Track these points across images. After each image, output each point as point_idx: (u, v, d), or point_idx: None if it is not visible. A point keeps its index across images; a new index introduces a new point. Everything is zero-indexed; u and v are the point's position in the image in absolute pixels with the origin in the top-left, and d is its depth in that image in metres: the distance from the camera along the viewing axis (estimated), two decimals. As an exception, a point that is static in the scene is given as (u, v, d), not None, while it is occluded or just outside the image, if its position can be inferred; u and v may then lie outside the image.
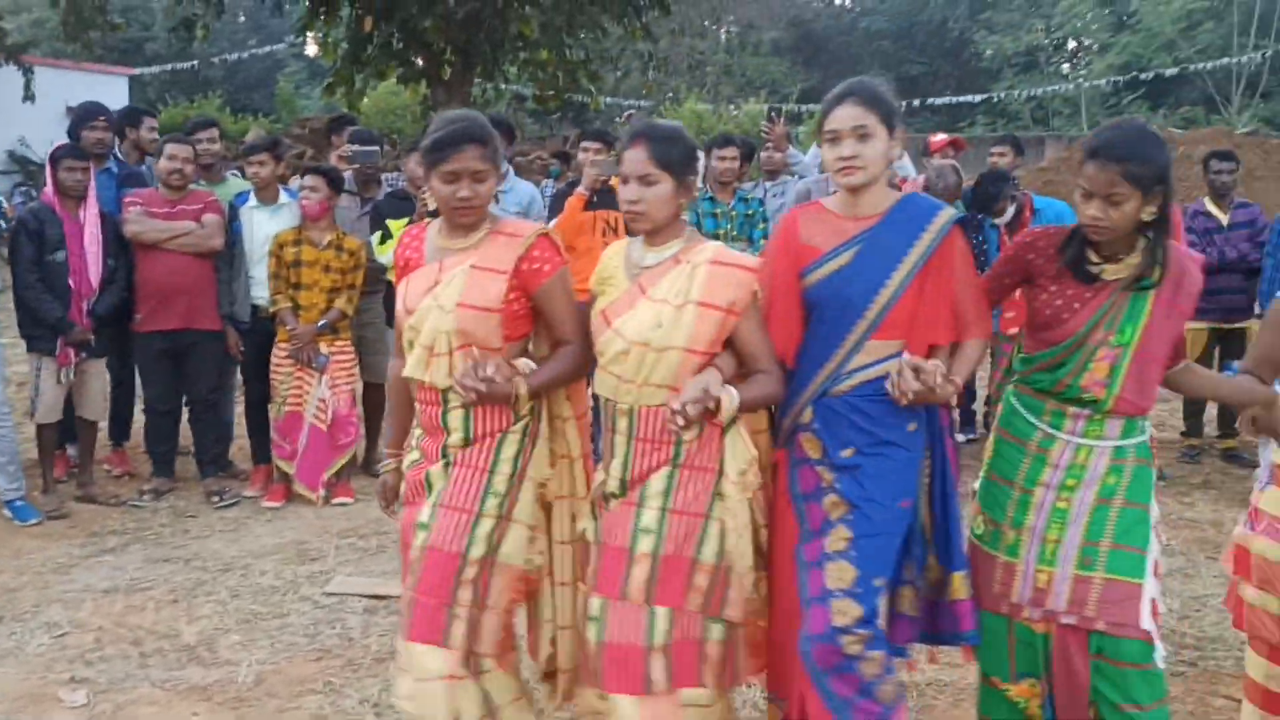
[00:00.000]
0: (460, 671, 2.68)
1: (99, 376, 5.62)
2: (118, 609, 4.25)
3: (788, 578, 2.75)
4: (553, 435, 2.87)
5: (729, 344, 2.69)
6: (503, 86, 14.66)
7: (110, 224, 5.48)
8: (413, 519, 2.78)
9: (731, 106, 23.47)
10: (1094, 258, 2.69)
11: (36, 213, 5.39)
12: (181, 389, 5.77)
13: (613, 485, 2.71)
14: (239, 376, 6.08)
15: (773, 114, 6.81)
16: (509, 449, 2.76)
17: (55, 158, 5.40)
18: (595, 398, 2.83)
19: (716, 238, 5.92)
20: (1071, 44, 31.47)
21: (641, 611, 2.59)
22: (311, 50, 17.52)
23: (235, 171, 6.76)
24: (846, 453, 2.70)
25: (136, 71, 26.75)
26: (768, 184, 6.47)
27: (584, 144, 5.95)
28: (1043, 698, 2.79)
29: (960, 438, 7.19)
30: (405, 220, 5.55)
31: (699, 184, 2.92)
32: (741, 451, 2.69)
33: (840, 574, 2.63)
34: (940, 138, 7.11)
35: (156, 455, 5.82)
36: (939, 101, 27.35)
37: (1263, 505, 2.91)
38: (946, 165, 6.25)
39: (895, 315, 2.66)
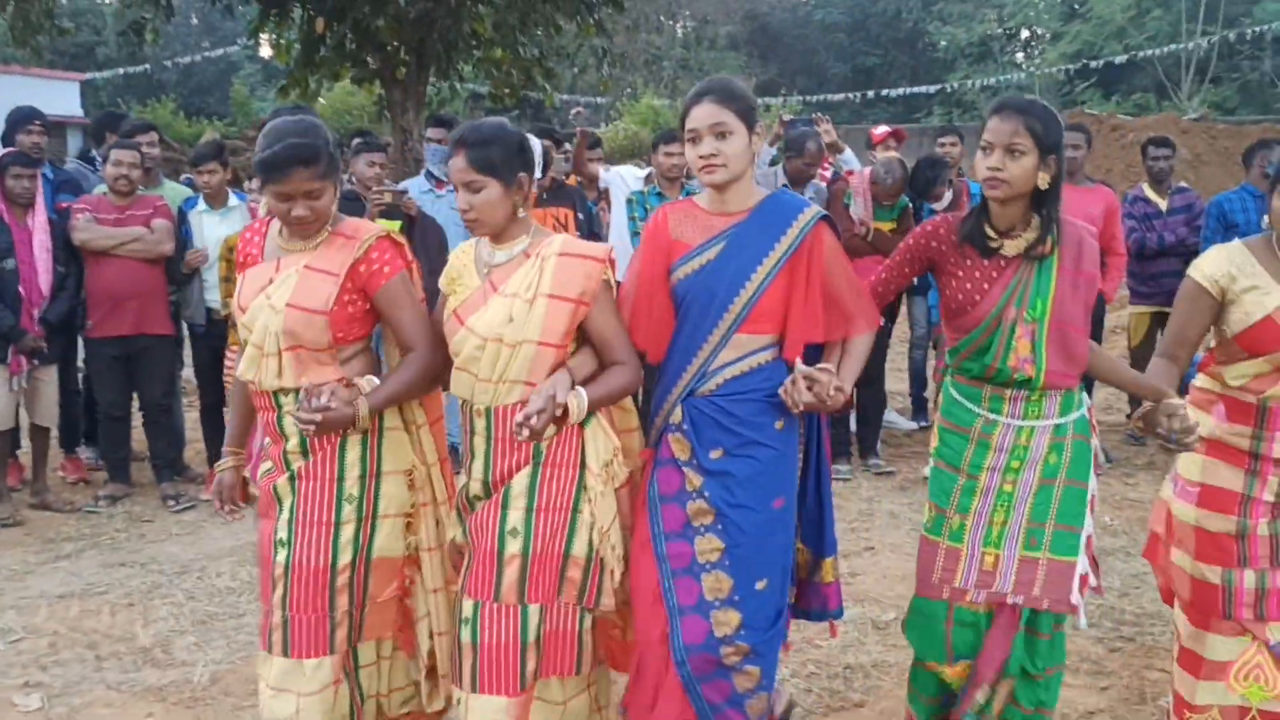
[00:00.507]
0: (340, 675, 2.73)
1: (51, 383, 5.61)
2: (73, 613, 4.27)
3: (640, 579, 2.74)
4: (409, 441, 2.82)
5: (584, 338, 2.71)
6: (459, 85, 14.63)
7: (59, 230, 5.47)
8: (269, 534, 2.75)
9: (689, 101, 23.59)
10: (991, 233, 2.76)
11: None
12: (133, 394, 5.78)
13: (475, 488, 2.71)
14: (192, 380, 6.09)
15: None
16: (353, 451, 2.72)
17: (2, 165, 5.37)
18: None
19: (665, 232, 5.99)
20: (1024, 33, 31.81)
21: (515, 611, 2.60)
22: (265, 52, 17.40)
23: (188, 179, 6.76)
24: (715, 454, 2.71)
25: (88, 76, 26.46)
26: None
27: (543, 142, 5.99)
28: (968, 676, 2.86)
29: (912, 424, 7.32)
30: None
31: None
32: (604, 443, 2.70)
33: (718, 584, 2.67)
34: (882, 129, 7.18)
35: (111, 461, 5.82)
36: (894, 93, 27.59)
37: (1179, 468, 2.98)
38: (893, 159, 6.32)
39: (761, 308, 2.69)
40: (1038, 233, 2.73)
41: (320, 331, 2.65)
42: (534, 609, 2.62)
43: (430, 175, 6.18)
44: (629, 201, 6.16)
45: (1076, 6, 28.24)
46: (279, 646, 2.68)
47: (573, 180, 6.60)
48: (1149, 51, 25.74)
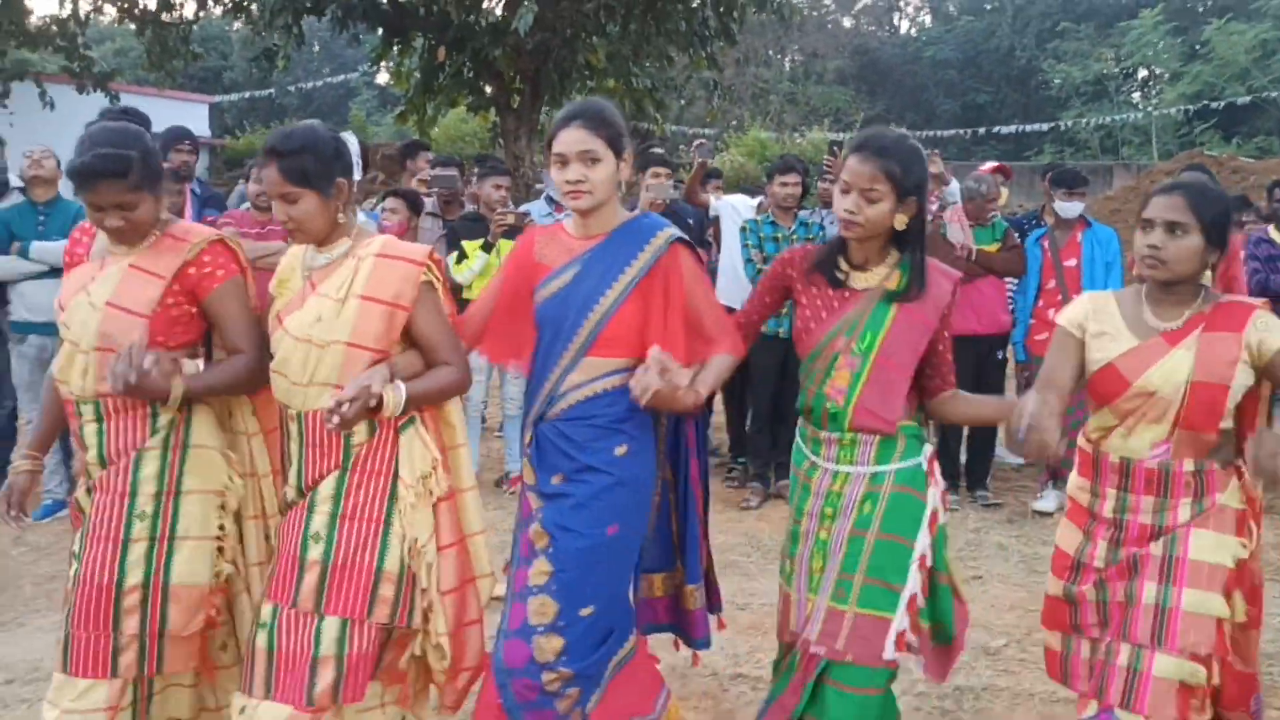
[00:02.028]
0: (122, 702, 2.61)
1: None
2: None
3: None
4: (236, 451, 2.76)
5: (412, 341, 2.64)
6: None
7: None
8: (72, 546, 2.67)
9: (795, 135, 23.56)
10: (843, 265, 2.74)
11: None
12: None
13: (291, 494, 2.66)
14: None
15: (834, 148, 6.94)
16: (149, 466, 2.62)
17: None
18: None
19: (778, 261, 6.06)
20: (1142, 73, 31.14)
21: (311, 620, 2.52)
22: (383, 79, 17.98)
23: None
24: (556, 479, 2.69)
25: (216, 99, 27.58)
26: (824, 211, 6.61)
27: (653, 169, 6.14)
28: None
29: (1020, 459, 7.22)
30: (480, 241, 5.77)
31: (358, 177, 2.86)
32: (420, 454, 2.60)
33: (542, 609, 2.62)
34: (988, 165, 7.20)
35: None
36: (1005, 130, 27.21)
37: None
38: (985, 174, 6.41)
39: (611, 331, 2.66)
40: (890, 269, 2.70)
41: (137, 334, 2.57)
42: (331, 621, 2.51)
43: (550, 199, 6.35)
44: (742, 230, 6.26)
45: (1197, 47, 27.51)
46: (60, 660, 2.58)
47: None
48: (1274, 94, 24.98)
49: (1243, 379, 2.56)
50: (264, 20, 11.24)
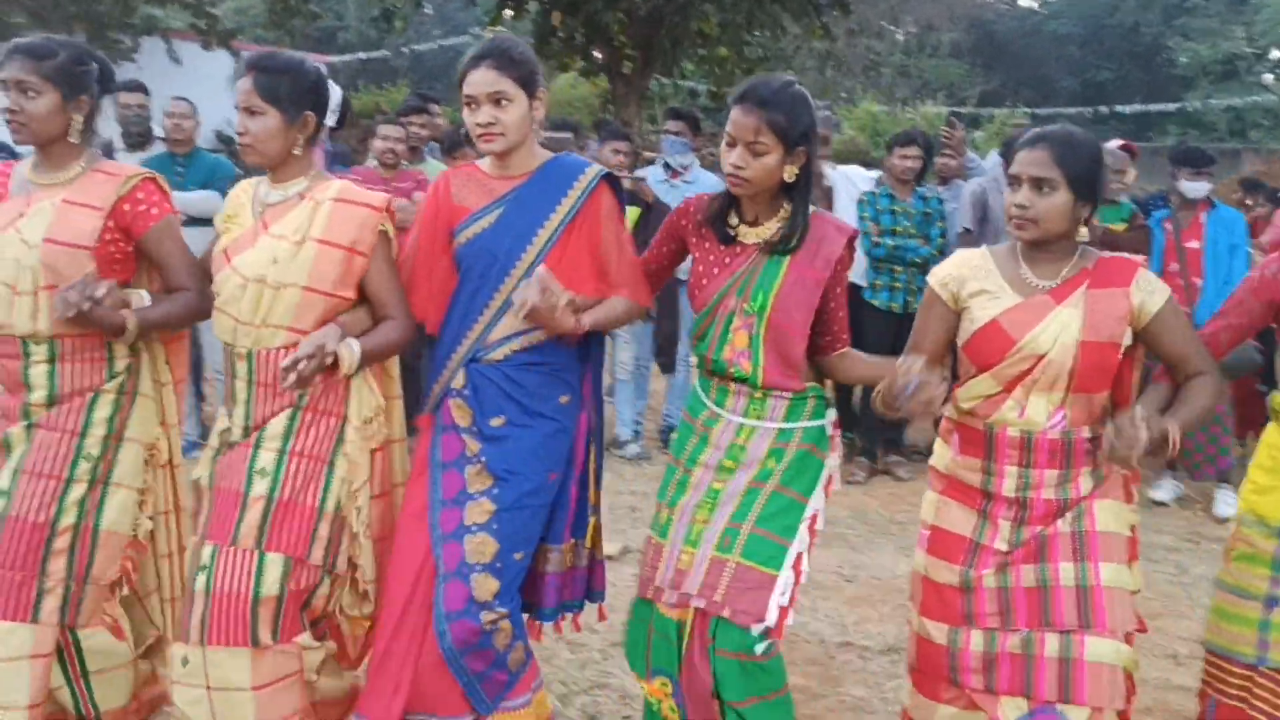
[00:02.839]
0: (48, 648, 2.55)
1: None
2: None
3: (406, 551, 2.64)
4: (156, 409, 2.73)
5: (359, 292, 2.59)
6: (680, 82, 14.88)
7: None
8: None
9: (907, 109, 23.14)
10: (733, 219, 2.64)
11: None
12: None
13: (236, 433, 2.60)
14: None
15: (952, 119, 6.80)
16: (102, 409, 2.61)
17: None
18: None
19: (893, 234, 5.99)
20: (1275, 53, 29.82)
21: (252, 557, 2.48)
22: (495, 43, 18.16)
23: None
24: (496, 421, 2.65)
25: (331, 59, 28.11)
26: (940, 188, 6.49)
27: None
28: (674, 697, 2.60)
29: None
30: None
31: (330, 124, 2.80)
32: (367, 398, 2.61)
33: (481, 548, 2.59)
34: (1115, 142, 7.01)
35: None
36: (1127, 110, 26.31)
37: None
38: (1113, 148, 6.25)
39: None
40: (781, 223, 2.58)
41: (84, 268, 2.53)
42: (273, 558, 2.47)
43: (667, 165, 6.36)
44: (859, 202, 6.18)
45: (1337, 26, 26.29)
46: None
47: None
48: None
49: (1126, 338, 2.42)
50: (384, -18, 11.43)
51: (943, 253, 6.12)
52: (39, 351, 2.57)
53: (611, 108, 13.51)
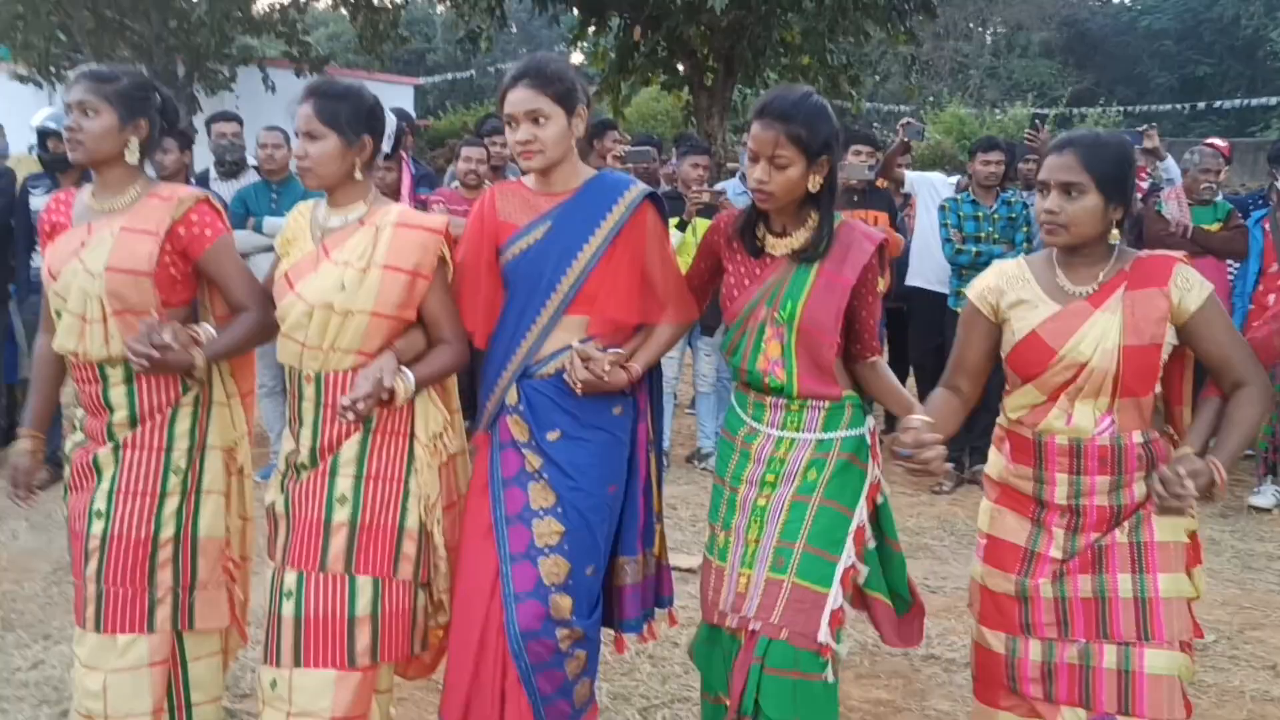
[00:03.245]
0: (164, 655, 2.65)
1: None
2: None
3: (474, 567, 2.66)
4: (231, 417, 2.79)
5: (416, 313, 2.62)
6: (761, 92, 14.88)
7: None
8: (83, 506, 2.65)
9: (996, 111, 22.77)
10: (760, 231, 2.64)
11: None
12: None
13: (303, 455, 2.63)
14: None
15: (1036, 122, 6.70)
16: (183, 422, 2.68)
17: (370, 159, 5.98)
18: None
19: (977, 240, 5.93)
20: (1386, 41, 28.60)
21: (343, 581, 2.54)
22: (576, 59, 18.32)
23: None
24: (552, 435, 2.66)
25: (420, 81, 28.71)
26: (1025, 194, 6.39)
27: (854, 147, 6.10)
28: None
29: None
30: (675, 220, 5.85)
31: (386, 150, 2.76)
32: (434, 415, 2.65)
33: (555, 569, 2.61)
34: (1210, 140, 6.85)
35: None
36: (1227, 105, 25.51)
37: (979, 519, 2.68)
38: (1207, 150, 6.10)
39: (589, 289, 2.64)
40: (809, 233, 2.58)
41: (147, 293, 2.60)
42: (364, 581, 2.55)
43: (744, 176, 6.37)
44: (941, 209, 6.13)
45: None
46: (91, 621, 2.60)
47: (882, 183, 6.63)
48: None
49: (1170, 337, 2.37)
50: (468, 3, 11.61)
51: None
52: (115, 374, 2.65)
53: (695, 120, 13.55)
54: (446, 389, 2.78)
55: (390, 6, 15.42)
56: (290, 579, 2.56)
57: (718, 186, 6.28)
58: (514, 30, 36.22)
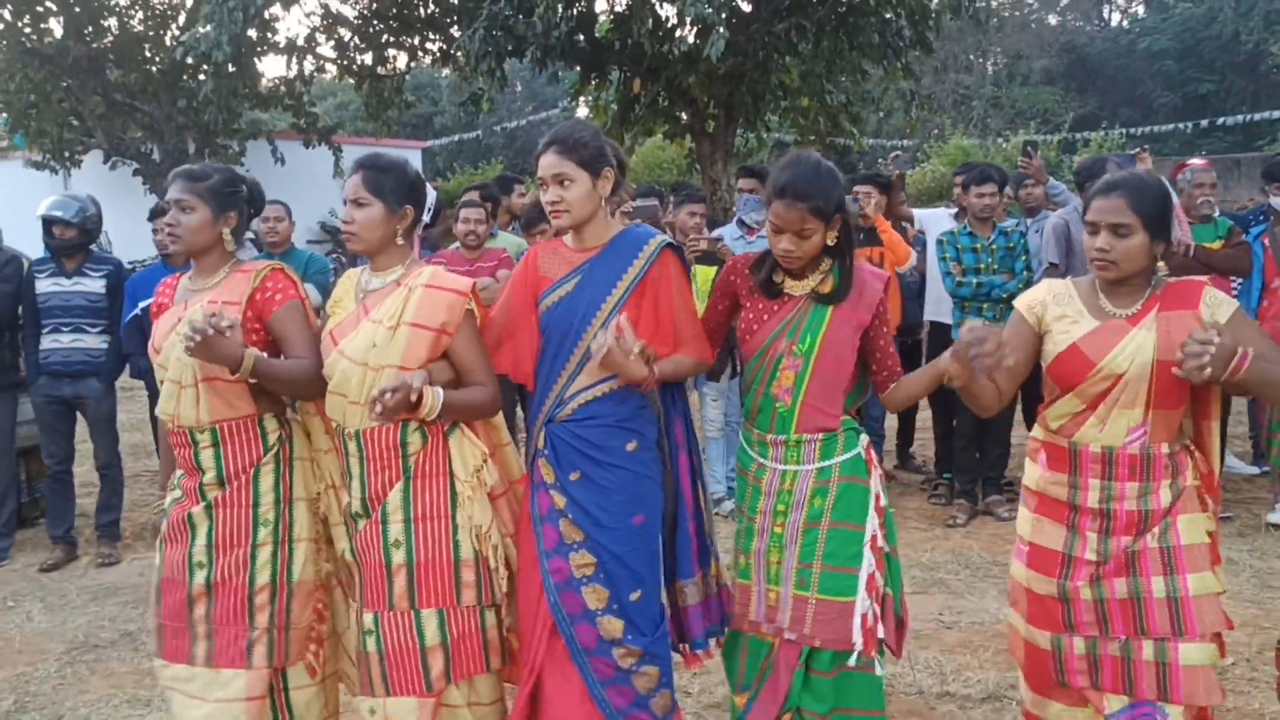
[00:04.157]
0: (261, 691, 2.87)
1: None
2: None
3: (527, 595, 2.88)
4: (320, 466, 3.00)
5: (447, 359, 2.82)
6: (764, 135, 14.97)
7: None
8: (179, 558, 2.90)
9: (1000, 139, 22.82)
10: (778, 276, 2.92)
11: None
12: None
13: (355, 506, 2.86)
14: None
15: (1028, 149, 6.72)
16: (267, 479, 2.91)
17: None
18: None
19: (977, 272, 5.94)
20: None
21: (409, 617, 2.77)
22: (582, 112, 18.54)
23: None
24: (574, 476, 2.86)
25: (428, 144, 29.07)
26: (1028, 220, 6.41)
27: (856, 188, 6.17)
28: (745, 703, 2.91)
29: (1253, 469, 6.77)
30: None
31: (425, 221, 3.06)
32: (470, 451, 2.84)
33: (597, 595, 2.82)
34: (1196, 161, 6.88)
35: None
36: (1232, 121, 25.48)
37: (1017, 526, 2.89)
38: (1196, 164, 6.17)
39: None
40: (824, 275, 2.88)
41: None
42: (429, 614, 2.77)
43: (742, 223, 6.42)
44: (939, 243, 6.16)
45: None
46: (202, 659, 2.86)
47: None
48: None
49: None
50: (469, 65, 11.77)
51: (1029, 286, 6.04)
52: (204, 438, 2.89)
53: (699, 166, 13.65)
54: (492, 423, 2.98)
55: (394, 74, 15.63)
56: (368, 619, 2.80)
57: (715, 233, 6.32)
58: (518, 89, 36.70)
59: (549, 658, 2.83)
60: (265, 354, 2.84)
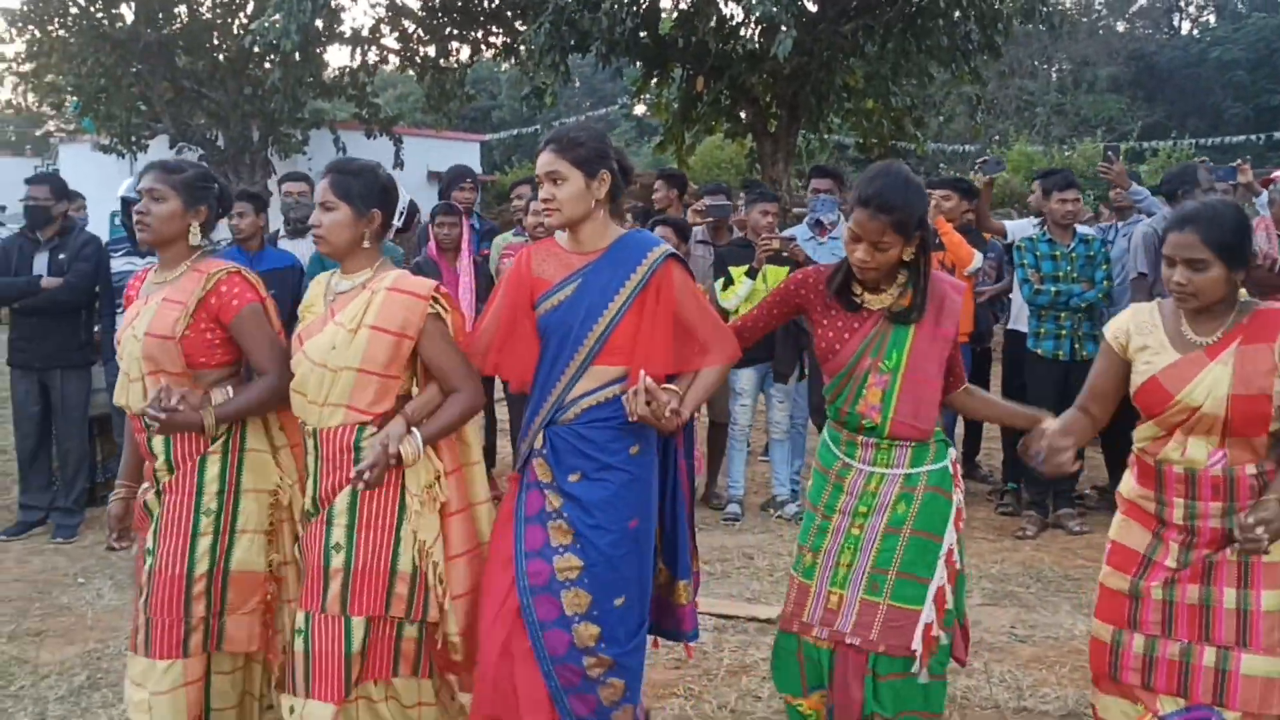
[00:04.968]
0: (196, 676, 2.91)
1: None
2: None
3: (493, 597, 2.85)
4: (272, 462, 3.01)
5: (427, 371, 2.84)
6: (826, 136, 14.84)
7: (482, 273, 6.10)
8: (143, 543, 2.97)
9: (1064, 147, 22.48)
10: (857, 289, 2.88)
11: (420, 265, 6.07)
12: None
13: (308, 504, 2.89)
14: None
15: (1109, 153, 6.59)
16: (212, 469, 2.92)
17: (432, 214, 6.11)
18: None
19: (1055, 280, 5.82)
20: None
21: (340, 622, 2.76)
22: (640, 110, 18.50)
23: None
24: (574, 477, 2.84)
25: (486, 138, 29.17)
26: (1119, 223, 6.29)
27: (934, 191, 6.08)
28: (825, 708, 2.90)
29: None
30: (744, 267, 5.84)
31: (397, 225, 3.07)
32: (425, 468, 2.81)
33: (577, 600, 2.79)
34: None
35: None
36: (1303, 133, 24.91)
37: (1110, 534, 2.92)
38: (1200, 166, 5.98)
39: (615, 342, 2.82)
40: (901, 289, 2.84)
41: (174, 356, 2.88)
42: (358, 621, 2.76)
43: (817, 223, 6.34)
44: (1017, 249, 6.05)
45: None
46: (141, 647, 2.89)
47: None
48: None
49: None
50: (533, 60, 11.77)
51: (1109, 296, 5.91)
52: (153, 425, 2.88)
53: (759, 166, 13.55)
54: (463, 440, 2.97)
55: (456, 67, 15.68)
56: (300, 618, 2.81)
57: (786, 233, 6.25)
58: (577, 84, 36.74)
59: (517, 658, 2.80)
60: (227, 389, 2.92)
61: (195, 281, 2.94)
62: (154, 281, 3.04)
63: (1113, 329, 2.84)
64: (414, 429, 2.77)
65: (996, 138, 25.04)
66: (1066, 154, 21.04)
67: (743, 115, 13.45)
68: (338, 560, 2.77)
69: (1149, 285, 5.51)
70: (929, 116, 17.70)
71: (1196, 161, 6.62)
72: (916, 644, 2.76)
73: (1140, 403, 2.74)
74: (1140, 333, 2.76)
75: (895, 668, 2.78)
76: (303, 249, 6.02)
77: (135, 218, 2.99)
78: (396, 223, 3.01)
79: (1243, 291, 2.67)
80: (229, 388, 2.95)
